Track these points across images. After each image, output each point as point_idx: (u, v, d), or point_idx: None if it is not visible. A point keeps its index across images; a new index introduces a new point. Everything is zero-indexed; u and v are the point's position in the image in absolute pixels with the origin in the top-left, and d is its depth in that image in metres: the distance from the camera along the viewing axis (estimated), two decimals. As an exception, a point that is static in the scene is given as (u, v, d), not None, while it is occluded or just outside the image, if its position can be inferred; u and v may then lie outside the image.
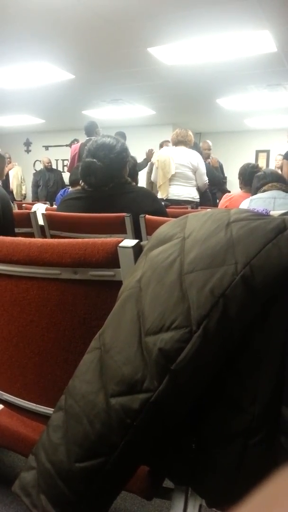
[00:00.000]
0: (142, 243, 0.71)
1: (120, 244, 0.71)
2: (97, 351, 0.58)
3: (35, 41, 4.40)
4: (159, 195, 4.09)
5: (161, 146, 5.89)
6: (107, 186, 1.94)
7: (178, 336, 0.52)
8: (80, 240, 0.76)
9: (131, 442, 0.54)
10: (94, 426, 0.55)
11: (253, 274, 0.51)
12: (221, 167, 6.39)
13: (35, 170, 10.33)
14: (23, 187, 8.58)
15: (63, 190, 4.47)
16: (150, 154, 5.89)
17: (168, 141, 6.04)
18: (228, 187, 9.01)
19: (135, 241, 0.71)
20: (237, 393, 0.55)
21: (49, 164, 8.20)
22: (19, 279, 0.81)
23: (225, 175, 7.11)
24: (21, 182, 8.49)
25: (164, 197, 4.06)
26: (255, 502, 0.16)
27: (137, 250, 0.70)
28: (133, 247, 0.70)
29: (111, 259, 0.72)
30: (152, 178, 4.40)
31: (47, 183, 8.09)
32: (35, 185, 8.29)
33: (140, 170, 5.75)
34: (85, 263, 0.74)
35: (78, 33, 4.21)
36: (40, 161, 10.32)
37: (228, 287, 0.52)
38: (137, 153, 5.61)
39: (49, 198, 7.59)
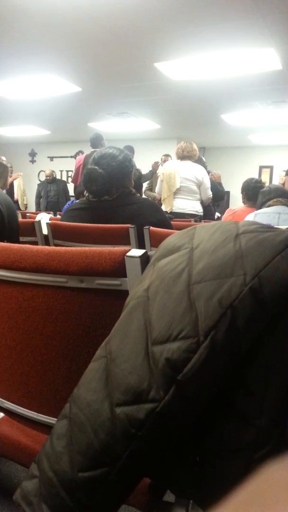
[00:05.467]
0: (149, 253, 0.71)
1: (128, 254, 0.72)
2: (103, 360, 0.58)
3: (44, 54, 4.47)
4: (163, 208, 4.11)
5: (162, 160, 5.97)
6: (109, 195, 1.95)
7: (185, 346, 0.52)
8: (87, 248, 0.76)
9: (135, 453, 0.53)
10: (99, 435, 0.54)
11: (262, 285, 0.51)
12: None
13: (40, 180, 10.44)
14: (25, 198, 8.67)
15: (70, 201, 4.51)
16: (155, 166, 5.95)
17: (168, 155, 6.13)
18: (231, 201, 9.08)
19: (143, 251, 0.71)
20: (244, 406, 0.55)
21: (49, 177, 8.26)
22: (25, 286, 0.81)
23: (225, 189, 7.13)
24: (23, 192, 8.58)
25: (168, 210, 4.08)
26: (241, 499, 0.17)
27: (144, 260, 0.71)
28: (141, 257, 0.70)
29: (118, 268, 0.72)
30: (157, 191, 4.43)
31: (47, 194, 8.17)
32: (38, 196, 8.39)
33: (145, 181, 5.82)
34: (92, 272, 0.74)
35: (86, 46, 4.28)
36: (44, 171, 10.44)
37: (237, 298, 0.52)
38: (142, 166, 5.68)
39: (49, 208, 7.66)
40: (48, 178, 8.28)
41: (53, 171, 8.49)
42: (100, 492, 0.54)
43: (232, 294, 0.52)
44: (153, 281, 0.59)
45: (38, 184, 8.82)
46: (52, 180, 8.30)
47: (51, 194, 8.17)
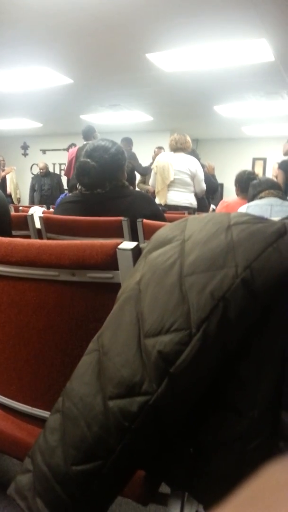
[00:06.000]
0: (141, 245, 0.71)
1: (119, 246, 0.71)
2: (95, 353, 0.58)
3: (35, 45, 4.41)
4: (157, 201, 4.10)
5: (155, 153, 5.94)
6: (102, 188, 1.94)
7: (178, 338, 0.52)
8: (79, 241, 0.75)
9: (128, 446, 0.53)
10: (92, 428, 0.54)
11: (253, 277, 0.51)
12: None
13: (32, 173, 10.38)
14: (18, 191, 8.60)
15: (63, 194, 4.48)
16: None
17: (161, 148, 6.09)
18: (225, 194, 9.08)
19: (134, 243, 0.71)
20: (236, 398, 0.55)
21: (43, 170, 8.16)
22: (17, 280, 0.81)
23: (219, 181, 7.11)
24: (16, 186, 8.51)
25: (162, 202, 4.07)
26: (241, 499, 0.17)
27: (136, 253, 0.70)
28: (132, 249, 0.70)
29: (110, 261, 0.72)
30: (150, 184, 4.41)
31: (41, 188, 8.10)
32: (32, 189, 8.31)
33: (147, 174, 5.79)
34: (84, 265, 0.74)
35: (77, 37, 4.23)
36: (37, 164, 10.35)
37: (228, 290, 0.51)
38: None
39: (43, 202, 7.62)
40: (41, 171, 8.18)
41: (46, 164, 8.40)
42: (94, 485, 0.54)
43: (224, 285, 0.52)
44: (144, 274, 0.58)
45: (32, 177, 8.75)
46: (46, 173, 8.19)
47: (45, 187, 8.09)
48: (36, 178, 8.45)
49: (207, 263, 0.54)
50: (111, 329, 0.58)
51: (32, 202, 8.11)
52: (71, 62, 4.98)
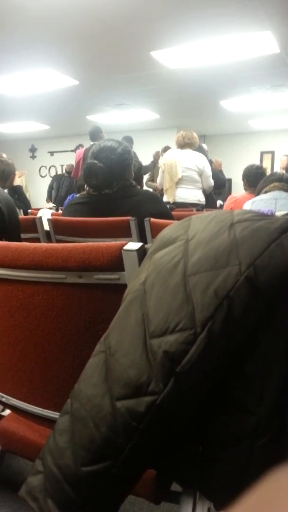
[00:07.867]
0: (146, 246, 0.71)
1: (125, 248, 0.71)
2: (102, 355, 0.58)
3: (39, 48, 4.43)
4: (165, 199, 4.09)
5: (164, 151, 5.92)
6: (110, 189, 1.95)
7: (183, 338, 0.52)
8: (84, 244, 0.76)
9: (137, 445, 0.54)
10: (100, 429, 0.55)
11: (257, 274, 0.51)
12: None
13: (41, 176, 10.41)
14: (27, 194, 8.64)
15: (71, 195, 4.48)
16: (157, 155, 5.92)
17: (168, 148, 6.07)
18: (233, 188, 9.03)
19: (139, 244, 0.71)
20: (243, 395, 0.55)
21: (71, 171, 8.08)
22: (25, 284, 0.82)
23: (227, 176, 7.05)
24: (25, 189, 8.54)
25: (170, 200, 4.06)
26: (254, 501, 0.16)
27: (142, 253, 0.70)
28: (137, 250, 0.70)
29: (116, 262, 0.72)
30: (158, 182, 4.41)
31: (59, 188, 8.11)
32: (51, 186, 8.32)
33: (147, 172, 5.78)
34: (90, 267, 0.74)
35: (81, 39, 4.24)
36: (45, 166, 10.37)
37: (232, 288, 0.51)
38: (142, 157, 5.64)
39: (57, 202, 7.64)
40: (68, 171, 8.04)
41: (73, 165, 8.31)
42: (104, 486, 0.55)
43: (227, 284, 0.52)
44: (149, 274, 0.58)
45: (53, 176, 8.72)
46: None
47: (61, 189, 8.06)
48: (56, 177, 8.42)
49: (210, 262, 0.54)
50: (117, 330, 0.58)
51: (50, 199, 8.12)
52: (76, 64, 5.00)
